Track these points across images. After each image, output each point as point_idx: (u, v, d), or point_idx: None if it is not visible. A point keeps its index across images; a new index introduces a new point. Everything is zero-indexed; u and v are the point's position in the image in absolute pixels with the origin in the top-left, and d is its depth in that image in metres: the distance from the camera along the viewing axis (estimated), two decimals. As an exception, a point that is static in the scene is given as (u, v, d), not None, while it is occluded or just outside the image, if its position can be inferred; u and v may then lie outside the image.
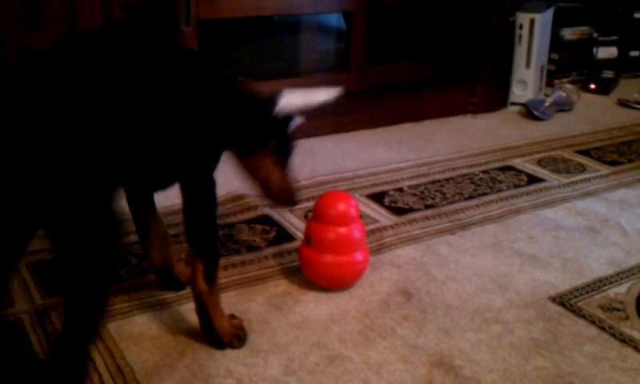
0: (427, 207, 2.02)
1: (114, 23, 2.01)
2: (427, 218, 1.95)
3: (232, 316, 1.42)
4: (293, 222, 1.89)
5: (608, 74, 3.46)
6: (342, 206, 1.55)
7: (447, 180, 2.23)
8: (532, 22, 2.93)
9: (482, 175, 2.27)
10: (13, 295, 1.49)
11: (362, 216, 1.63)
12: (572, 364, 1.35)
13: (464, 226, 1.91)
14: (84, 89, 1.13)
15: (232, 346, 1.36)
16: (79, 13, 2.06)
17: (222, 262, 1.65)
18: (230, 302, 1.50)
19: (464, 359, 1.36)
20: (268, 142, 1.38)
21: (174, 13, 2.26)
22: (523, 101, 2.97)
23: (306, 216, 1.91)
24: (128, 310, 1.47)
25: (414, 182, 2.20)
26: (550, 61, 3.28)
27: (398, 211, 1.99)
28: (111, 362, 1.31)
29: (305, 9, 2.70)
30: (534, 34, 2.94)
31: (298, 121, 1.41)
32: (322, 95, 1.43)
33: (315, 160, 2.33)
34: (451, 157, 2.42)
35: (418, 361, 1.35)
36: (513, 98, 3.02)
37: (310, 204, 1.80)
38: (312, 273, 1.57)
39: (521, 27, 2.95)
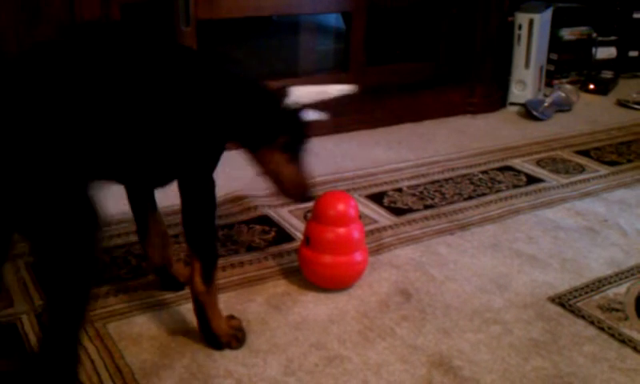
0: (426, 207, 2.02)
1: (104, 22, 2.01)
2: (426, 218, 1.95)
3: (231, 316, 1.42)
4: (292, 222, 1.89)
5: (607, 74, 3.46)
6: (341, 207, 1.55)
7: (446, 180, 2.23)
8: (531, 22, 2.93)
9: (481, 175, 2.28)
10: (12, 295, 1.49)
11: (361, 216, 1.63)
12: (571, 364, 1.35)
13: (463, 227, 1.91)
14: (69, 84, 1.13)
15: (230, 347, 1.36)
16: (78, 13, 2.06)
17: (222, 262, 1.65)
18: (230, 303, 1.50)
19: (463, 359, 1.36)
20: (276, 138, 1.38)
21: (173, 13, 2.26)
22: (522, 101, 2.97)
23: (305, 216, 1.91)
24: (127, 310, 1.47)
25: (414, 182, 2.20)
26: (549, 61, 3.28)
27: (397, 211, 1.99)
28: (110, 362, 1.30)
29: (304, 9, 2.70)
30: (533, 34, 2.94)
31: (315, 116, 1.41)
32: (334, 90, 1.42)
33: (315, 160, 2.33)
34: (450, 157, 2.42)
35: (417, 361, 1.35)
36: (512, 98, 3.03)
37: (310, 204, 1.80)
38: (311, 273, 1.57)
39: (520, 27, 2.95)
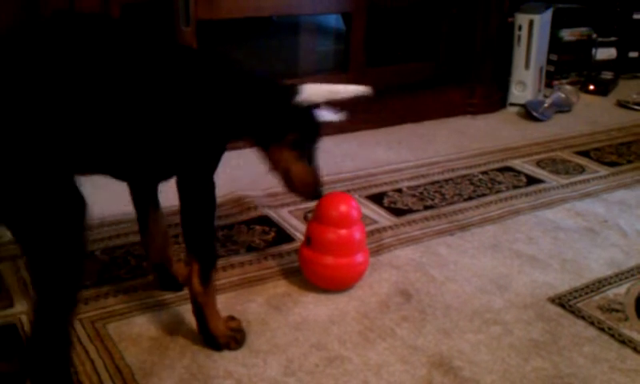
0: (426, 208, 2.02)
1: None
2: (426, 218, 1.95)
3: (231, 317, 1.42)
4: (292, 222, 1.89)
5: (607, 75, 3.46)
6: (343, 208, 1.55)
7: (446, 181, 2.23)
8: (531, 23, 2.93)
9: (481, 176, 2.28)
10: (12, 295, 1.49)
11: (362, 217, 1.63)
12: (571, 365, 1.35)
13: (463, 227, 1.91)
14: (56, 72, 1.13)
15: (229, 348, 1.35)
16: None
17: (222, 262, 1.65)
18: (230, 303, 1.50)
19: (463, 360, 1.36)
20: (286, 135, 1.38)
21: (173, 13, 2.25)
22: (522, 102, 2.97)
23: (305, 217, 1.91)
24: (127, 310, 1.47)
25: (414, 182, 2.20)
26: (549, 62, 3.28)
27: (397, 212, 1.99)
28: (110, 363, 1.30)
29: (304, 9, 2.70)
30: (533, 34, 2.94)
31: (330, 115, 1.41)
32: (348, 91, 1.42)
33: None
34: (450, 158, 2.42)
35: (417, 362, 1.35)
36: (512, 99, 3.03)
37: (310, 205, 1.80)
38: (312, 274, 1.57)
39: (520, 28, 2.95)
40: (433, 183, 2.20)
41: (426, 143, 2.58)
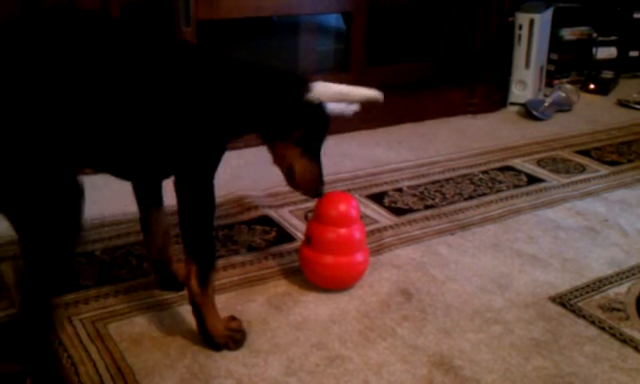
0: (427, 207, 2.02)
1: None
2: (427, 218, 1.95)
3: (232, 317, 1.42)
4: (293, 222, 1.89)
5: (607, 74, 3.46)
6: (342, 207, 1.55)
7: (447, 180, 2.23)
8: (531, 23, 2.93)
9: (481, 175, 2.27)
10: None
11: (361, 216, 1.63)
12: (572, 364, 1.35)
13: (464, 227, 1.91)
14: (52, 66, 1.15)
15: (228, 348, 1.35)
16: (79, 13, 2.06)
17: (222, 262, 1.65)
18: (230, 303, 1.50)
19: (464, 359, 1.36)
20: (291, 133, 1.38)
21: (174, 13, 2.25)
22: (523, 101, 2.97)
23: (305, 216, 1.91)
24: (128, 310, 1.47)
25: (414, 182, 2.20)
26: (550, 61, 3.28)
27: (397, 211, 1.99)
28: (111, 363, 1.30)
29: (304, 9, 2.70)
30: (534, 34, 2.94)
31: (342, 109, 1.41)
32: (359, 94, 1.42)
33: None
34: (451, 157, 2.42)
35: (418, 361, 1.35)
36: (512, 99, 3.03)
37: (310, 204, 1.80)
38: (312, 273, 1.57)
39: (520, 27, 2.95)
40: (433, 183, 2.20)
41: (427, 143, 2.58)
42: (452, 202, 2.06)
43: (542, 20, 2.96)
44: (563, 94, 3.05)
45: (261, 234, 1.83)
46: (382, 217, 1.95)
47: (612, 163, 2.43)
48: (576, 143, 2.62)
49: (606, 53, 3.52)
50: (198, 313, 1.35)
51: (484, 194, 2.12)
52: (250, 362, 1.33)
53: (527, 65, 2.97)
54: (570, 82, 3.35)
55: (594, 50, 3.49)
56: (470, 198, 2.10)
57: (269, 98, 1.35)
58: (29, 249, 1.16)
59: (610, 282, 1.65)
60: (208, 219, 1.33)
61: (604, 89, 3.34)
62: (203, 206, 1.32)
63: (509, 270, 1.69)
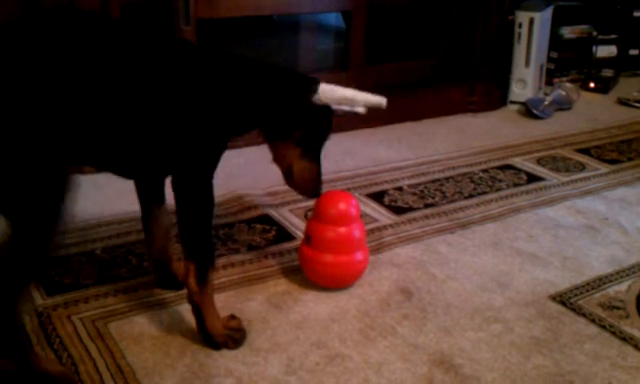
0: (427, 206, 2.02)
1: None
2: (427, 216, 1.95)
3: (232, 316, 1.42)
4: (292, 221, 1.89)
5: (607, 72, 3.46)
6: (342, 206, 1.55)
7: (447, 179, 2.22)
8: (531, 21, 2.93)
9: (481, 174, 2.27)
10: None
11: (361, 215, 1.63)
12: (572, 362, 1.35)
13: (464, 225, 1.91)
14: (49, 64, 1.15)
15: (227, 347, 1.35)
16: (78, 12, 2.06)
17: (222, 261, 1.65)
18: (230, 301, 1.50)
19: (464, 358, 1.36)
20: (293, 132, 1.38)
21: (173, 12, 2.25)
22: (523, 99, 2.97)
23: (305, 215, 1.91)
24: (128, 309, 1.47)
25: (414, 181, 2.20)
26: (550, 59, 3.27)
27: (397, 210, 1.99)
28: (111, 362, 1.30)
29: (304, 8, 2.70)
30: (534, 32, 2.94)
31: (356, 111, 1.42)
32: (363, 99, 1.42)
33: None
34: (451, 156, 2.42)
35: (418, 360, 1.35)
36: (512, 97, 3.02)
37: (310, 203, 1.80)
38: (312, 272, 1.57)
39: (520, 26, 2.95)
40: (433, 181, 2.20)
41: (427, 141, 2.58)
42: (452, 201, 2.06)
43: (542, 18, 2.95)
44: (563, 93, 3.05)
45: (261, 232, 1.83)
46: (382, 215, 1.95)
47: (612, 161, 2.43)
48: (576, 142, 2.62)
49: (605, 51, 3.52)
50: (197, 312, 1.35)
51: (484, 193, 2.12)
52: (250, 360, 1.33)
53: (527, 63, 2.97)
54: (570, 81, 3.35)
55: (594, 48, 3.49)
56: (470, 196, 2.10)
57: (271, 98, 1.35)
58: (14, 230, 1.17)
59: (610, 281, 1.65)
60: (207, 218, 1.33)
61: (604, 87, 3.34)
62: (202, 205, 1.32)
63: (509, 269, 1.69)
